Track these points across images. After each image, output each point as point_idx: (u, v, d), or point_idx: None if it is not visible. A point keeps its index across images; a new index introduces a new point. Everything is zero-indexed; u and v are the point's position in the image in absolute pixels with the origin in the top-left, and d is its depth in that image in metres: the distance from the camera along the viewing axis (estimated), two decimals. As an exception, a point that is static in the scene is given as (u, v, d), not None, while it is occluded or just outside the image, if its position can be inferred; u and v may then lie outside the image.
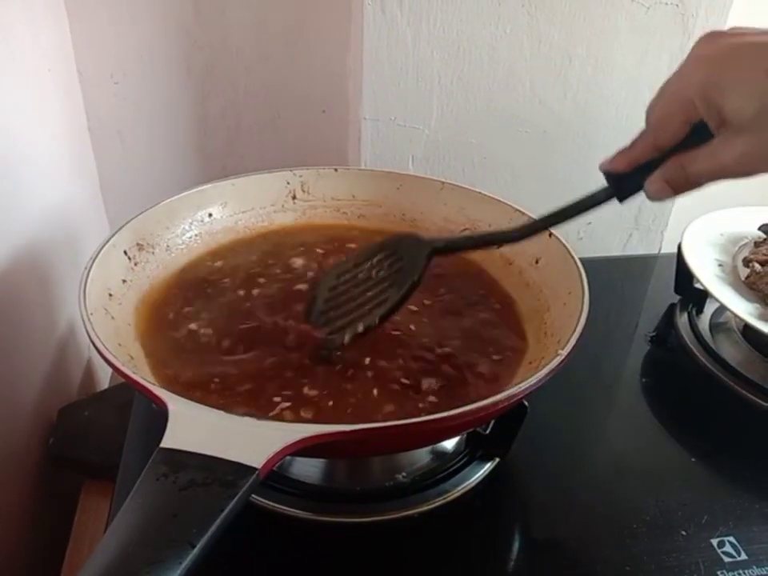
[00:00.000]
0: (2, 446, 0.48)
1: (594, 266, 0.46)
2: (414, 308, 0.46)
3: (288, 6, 0.67)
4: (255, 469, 0.27)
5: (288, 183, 0.56)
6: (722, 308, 0.58)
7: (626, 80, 0.68)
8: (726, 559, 0.40)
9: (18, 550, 0.50)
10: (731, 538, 0.41)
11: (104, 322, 0.40)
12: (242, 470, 0.27)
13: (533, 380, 0.34)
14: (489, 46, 0.64)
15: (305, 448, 0.29)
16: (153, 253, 0.48)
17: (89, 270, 0.41)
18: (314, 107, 0.72)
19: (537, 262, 0.49)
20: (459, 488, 0.43)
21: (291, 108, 0.72)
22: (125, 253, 0.46)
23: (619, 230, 0.77)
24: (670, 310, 0.62)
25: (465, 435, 0.45)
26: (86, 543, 0.49)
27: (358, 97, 0.66)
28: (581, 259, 0.45)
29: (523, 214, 0.51)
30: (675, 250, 0.59)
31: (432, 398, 0.39)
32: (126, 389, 0.51)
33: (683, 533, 0.41)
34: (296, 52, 0.69)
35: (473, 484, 0.43)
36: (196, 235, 0.52)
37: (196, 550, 0.24)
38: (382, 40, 0.62)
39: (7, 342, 0.49)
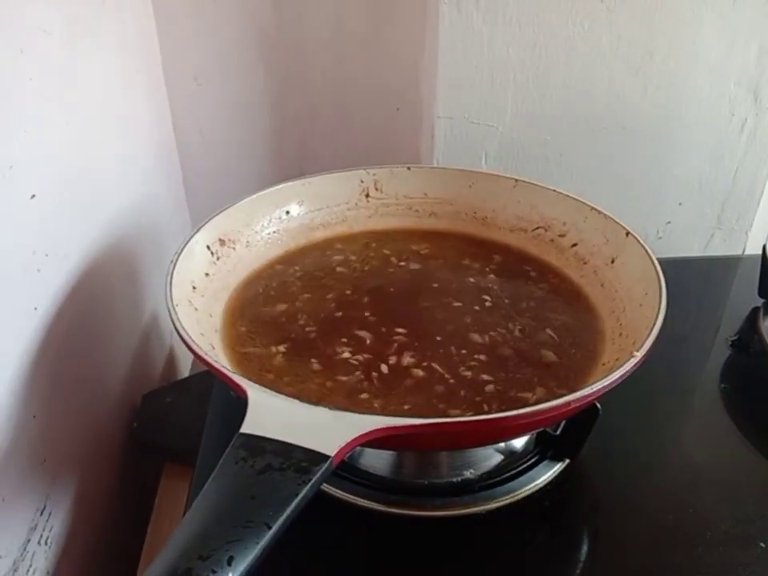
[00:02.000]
0: (92, 429, 0.51)
1: (673, 267, 0.45)
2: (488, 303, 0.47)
3: (364, 6, 0.68)
4: (328, 456, 0.28)
5: (362, 182, 0.57)
6: (811, 313, 0.55)
7: (709, 74, 0.65)
8: (808, 574, 0.38)
9: (102, 527, 0.53)
10: (814, 553, 0.39)
11: (187, 313, 0.41)
12: (316, 457, 0.28)
13: (606, 381, 0.34)
14: (566, 43, 0.63)
15: (377, 439, 0.30)
16: (234, 248, 0.50)
17: (174, 264, 0.43)
18: (388, 106, 0.73)
19: (612, 262, 0.48)
20: (527, 487, 0.42)
21: (366, 107, 0.73)
22: (208, 248, 0.48)
23: (701, 230, 0.75)
24: (753, 314, 0.59)
25: (534, 435, 0.45)
26: (165, 523, 0.52)
27: (432, 95, 0.66)
28: (660, 260, 0.44)
29: (600, 212, 0.51)
30: (760, 251, 0.57)
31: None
32: (206, 377, 0.54)
33: (762, 545, 0.40)
34: (371, 52, 0.70)
35: (541, 484, 0.43)
36: (274, 232, 0.53)
37: (272, 531, 0.25)
38: (458, 38, 0.62)
39: (96, 330, 0.53)
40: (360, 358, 0.42)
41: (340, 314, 0.46)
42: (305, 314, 0.46)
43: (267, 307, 0.47)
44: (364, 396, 0.39)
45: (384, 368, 0.41)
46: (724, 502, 0.43)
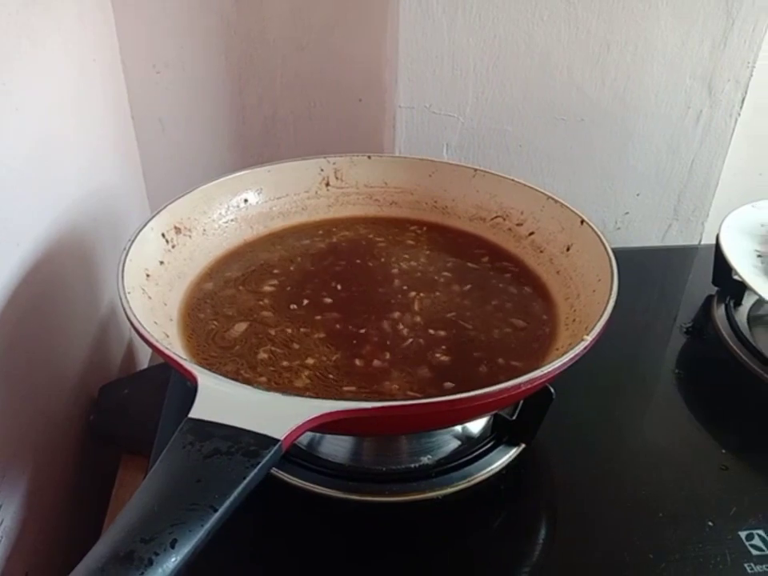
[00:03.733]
0: (46, 421, 0.50)
1: (631, 257, 0.46)
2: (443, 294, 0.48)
3: (326, -5, 0.68)
4: (278, 440, 0.28)
5: (322, 170, 0.56)
6: (761, 301, 0.56)
7: (666, 66, 0.67)
8: (755, 552, 0.39)
9: (57, 520, 0.52)
10: (761, 531, 0.40)
11: (141, 301, 0.41)
12: (264, 441, 0.28)
13: (555, 364, 0.34)
14: (525, 34, 0.63)
15: (326, 423, 0.30)
16: (190, 236, 0.49)
17: (127, 251, 0.42)
18: (350, 96, 0.73)
19: (568, 249, 0.49)
20: (484, 472, 0.43)
21: (327, 97, 0.73)
22: (162, 235, 0.47)
23: (658, 221, 0.76)
24: (708, 302, 0.61)
25: (491, 420, 0.46)
26: (123, 515, 0.51)
27: (393, 85, 0.66)
28: (618, 249, 0.45)
29: (556, 201, 0.51)
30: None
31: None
32: (164, 369, 0.53)
33: (710, 524, 0.41)
34: (333, 41, 0.70)
35: (497, 468, 0.43)
36: (232, 220, 0.53)
37: (217, 515, 0.25)
38: (418, 28, 0.62)
39: (51, 321, 0.52)
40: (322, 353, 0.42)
41: (306, 302, 0.46)
42: (268, 302, 0.46)
43: (222, 296, 0.46)
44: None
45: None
46: (676, 482, 0.44)
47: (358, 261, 0.52)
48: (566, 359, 0.35)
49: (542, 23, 0.63)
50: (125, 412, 0.56)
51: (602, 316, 0.38)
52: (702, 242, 0.77)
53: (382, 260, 0.52)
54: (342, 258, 0.52)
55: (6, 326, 0.44)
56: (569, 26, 0.64)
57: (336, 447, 0.44)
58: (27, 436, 0.47)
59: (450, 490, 0.42)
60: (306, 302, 0.46)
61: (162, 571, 0.23)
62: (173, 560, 0.23)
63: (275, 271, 0.49)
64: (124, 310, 0.37)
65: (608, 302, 0.39)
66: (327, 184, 0.57)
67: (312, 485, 0.42)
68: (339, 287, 0.48)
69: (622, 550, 0.40)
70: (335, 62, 0.71)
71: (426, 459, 0.43)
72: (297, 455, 0.43)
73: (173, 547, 0.24)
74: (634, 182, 0.73)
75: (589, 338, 0.36)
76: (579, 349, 0.35)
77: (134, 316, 0.37)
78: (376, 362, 0.41)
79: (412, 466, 0.43)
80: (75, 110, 0.56)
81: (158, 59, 0.69)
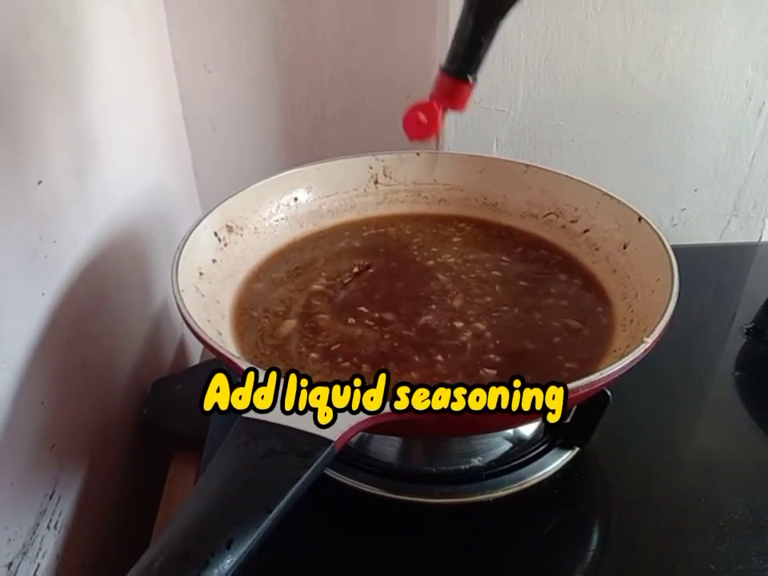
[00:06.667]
0: (102, 415, 0.51)
1: (688, 254, 0.44)
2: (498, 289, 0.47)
3: (374, -8, 0.67)
4: (331, 441, 0.28)
5: (371, 168, 0.56)
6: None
7: (726, 57, 0.64)
8: (823, 565, 0.37)
9: (111, 512, 0.53)
10: (829, 543, 0.39)
11: (194, 299, 0.41)
12: (318, 442, 0.28)
13: (615, 367, 0.33)
14: (578, 25, 0.62)
15: (379, 424, 0.30)
16: (241, 235, 0.50)
17: (181, 250, 0.43)
18: (398, 92, 0.72)
19: (625, 248, 0.48)
20: (536, 475, 0.42)
21: (376, 93, 0.72)
22: (215, 234, 0.48)
23: (717, 217, 0.73)
24: (770, 302, 0.59)
25: (544, 423, 0.45)
26: (174, 508, 0.52)
27: (442, 80, 0.65)
28: (675, 247, 0.43)
29: (612, 197, 0.50)
30: (777, 238, 0.56)
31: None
32: (216, 365, 0.53)
33: (775, 534, 0.39)
34: (381, 38, 0.70)
35: (550, 472, 0.42)
36: (282, 218, 0.53)
37: (272, 515, 0.25)
38: (468, 21, 0.61)
39: (106, 317, 0.53)
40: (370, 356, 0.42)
41: (356, 301, 0.46)
42: (318, 302, 0.46)
43: (273, 294, 0.47)
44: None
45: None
46: (737, 490, 0.42)
47: (408, 258, 0.51)
48: (626, 362, 0.34)
49: (596, 14, 0.61)
50: (177, 407, 0.56)
51: (662, 317, 0.37)
52: (763, 239, 0.74)
53: (431, 257, 0.51)
54: (392, 256, 0.51)
55: (63, 322, 0.45)
56: (624, 17, 0.62)
57: (386, 447, 0.44)
58: (84, 429, 0.48)
59: (501, 493, 0.41)
60: (356, 300, 0.46)
61: (218, 571, 0.23)
62: (228, 560, 0.23)
63: (324, 270, 0.49)
64: (178, 307, 0.38)
65: (668, 303, 0.38)
66: (376, 182, 0.56)
67: (361, 484, 0.42)
68: (390, 286, 0.48)
69: (680, 560, 0.38)
70: (383, 59, 0.71)
71: (476, 461, 0.43)
72: (346, 453, 0.43)
73: (228, 548, 0.24)
74: (691, 177, 0.70)
75: (649, 341, 0.35)
76: (639, 352, 0.34)
77: (188, 314, 0.37)
78: (430, 363, 0.40)
79: (462, 467, 0.43)
80: (127, 109, 0.57)
81: (208, 59, 0.69)
